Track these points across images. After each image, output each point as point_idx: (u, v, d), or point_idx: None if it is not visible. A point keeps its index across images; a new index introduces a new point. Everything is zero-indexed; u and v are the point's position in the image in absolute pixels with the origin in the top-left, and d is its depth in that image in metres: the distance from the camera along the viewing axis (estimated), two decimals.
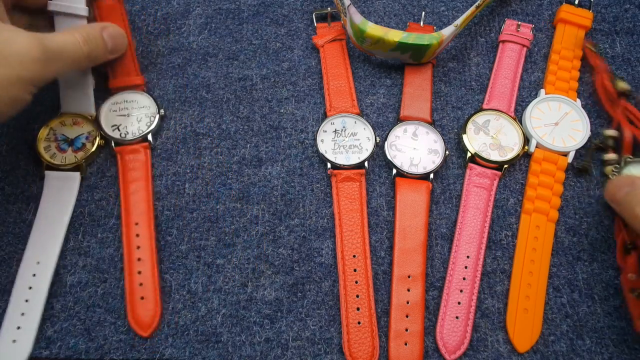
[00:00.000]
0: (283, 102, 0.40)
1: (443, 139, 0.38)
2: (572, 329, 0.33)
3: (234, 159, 0.38)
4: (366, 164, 0.37)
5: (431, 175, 0.37)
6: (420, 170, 0.37)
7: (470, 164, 0.37)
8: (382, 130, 0.39)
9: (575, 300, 0.34)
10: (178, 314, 0.34)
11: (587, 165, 0.37)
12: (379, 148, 0.38)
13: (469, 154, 0.37)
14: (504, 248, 0.35)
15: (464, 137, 0.38)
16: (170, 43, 0.43)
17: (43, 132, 0.38)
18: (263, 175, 0.38)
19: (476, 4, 0.40)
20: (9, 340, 0.33)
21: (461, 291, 0.34)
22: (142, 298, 0.34)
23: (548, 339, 0.33)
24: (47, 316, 0.34)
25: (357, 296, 0.33)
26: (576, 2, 0.43)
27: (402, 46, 0.38)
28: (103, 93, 0.40)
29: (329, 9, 0.42)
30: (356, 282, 0.34)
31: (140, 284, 0.34)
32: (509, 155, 0.37)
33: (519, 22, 0.42)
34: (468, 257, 0.34)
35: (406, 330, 0.33)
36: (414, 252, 0.34)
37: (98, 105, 0.39)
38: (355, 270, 0.34)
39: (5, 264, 0.35)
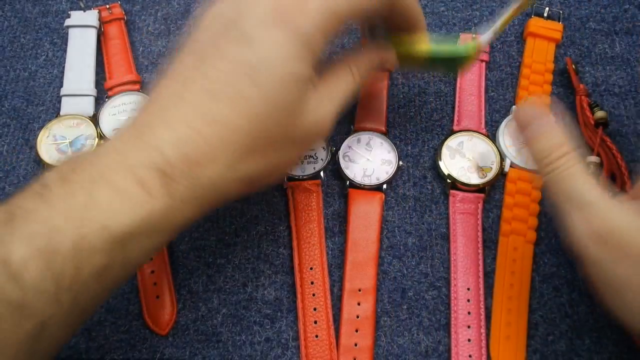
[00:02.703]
0: None
1: (397, 150, 0.37)
2: (572, 329, 0.33)
3: None
4: (322, 174, 0.36)
5: (384, 186, 0.36)
6: (373, 181, 0.36)
7: (452, 191, 0.36)
8: (337, 141, 0.38)
9: (574, 300, 0.34)
10: (178, 313, 0.34)
11: None
12: (334, 158, 0.37)
13: (448, 181, 0.36)
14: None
15: (440, 163, 0.37)
16: (171, 43, 0.43)
17: (43, 134, 0.38)
18: None
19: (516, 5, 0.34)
20: None
21: (469, 327, 0.33)
22: (158, 297, 0.34)
23: (547, 338, 0.33)
24: None
25: (315, 309, 0.33)
26: (545, 14, 0.42)
27: (434, 59, 0.33)
28: (101, 94, 0.40)
29: None
30: (313, 294, 0.33)
31: (155, 284, 0.34)
32: (489, 176, 0.36)
33: (473, 35, 0.41)
34: (469, 289, 0.34)
35: (355, 345, 0.32)
36: (365, 265, 0.34)
37: (97, 106, 0.40)
38: (312, 283, 0.34)
39: None
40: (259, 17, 0.26)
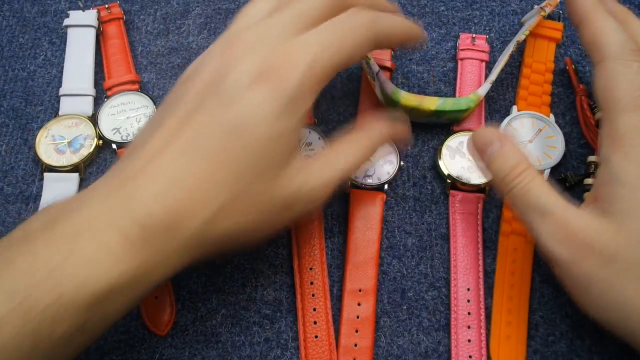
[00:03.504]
0: None
1: (398, 150, 0.37)
2: (572, 329, 0.33)
3: None
4: None
5: (385, 186, 0.36)
6: (374, 181, 0.36)
7: (452, 191, 0.36)
8: None
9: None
10: (177, 313, 0.34)
11: (568, 175, 0.36)
12: None
13: (448, 181, 0.36)
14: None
15: (440, 163, 0.37)
16: (170, 43, 0.43)
17: (41, 134, 0.38)
18: None
19: (509, 52, 0.38)
20: None
21: (469, 327, 0.33)
22: (156, 297, 0.34)
23: (548, 339, 0.33)
24: None
25: (314, 310, 0.33)
26: (545, 14, 0.41)
27: (439, 113, 0.37)
28: (100, 93, 0.40)
29: None
30: (313, 295, 0.33)
31: None
32: (489, 176, 0.36)
33: (474, 35, 0.41)
34: (469, 289, 0.34)
35: (355, 345, 0.32)
36: (365, 266, 0.34)
37: (96, 106, 0.40)
38: (311, 284, 0.34)
39: None
40: (243, 75, 0.26)
